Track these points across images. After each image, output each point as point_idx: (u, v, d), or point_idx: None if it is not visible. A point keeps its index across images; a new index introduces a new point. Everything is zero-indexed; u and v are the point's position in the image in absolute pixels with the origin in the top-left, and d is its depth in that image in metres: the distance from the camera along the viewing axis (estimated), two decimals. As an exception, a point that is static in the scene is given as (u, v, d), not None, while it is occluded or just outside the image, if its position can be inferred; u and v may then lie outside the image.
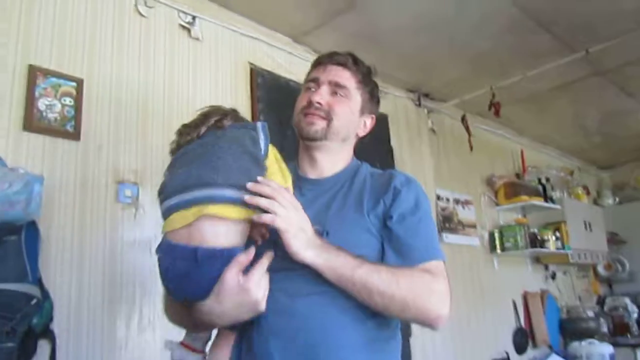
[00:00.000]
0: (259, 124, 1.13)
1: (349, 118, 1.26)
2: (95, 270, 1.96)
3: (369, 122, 1.34)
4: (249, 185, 1.01)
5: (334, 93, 1.24)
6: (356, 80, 1.27)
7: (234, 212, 1.01)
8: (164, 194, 1.06)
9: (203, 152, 1.06)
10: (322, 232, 1.11)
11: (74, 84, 2.03)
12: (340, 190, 1.23)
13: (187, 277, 1.00)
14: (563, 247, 4.31)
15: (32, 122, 1.89)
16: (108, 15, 2.23)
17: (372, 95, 1.33)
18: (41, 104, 1.93)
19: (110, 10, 2.24)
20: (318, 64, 1.31)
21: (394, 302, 1.03)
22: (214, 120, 1.12)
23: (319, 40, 2.97)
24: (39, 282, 1.62)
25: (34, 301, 1.53)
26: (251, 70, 2.73)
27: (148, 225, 2.14)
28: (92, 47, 2.14)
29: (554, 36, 3.06)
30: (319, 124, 1.22)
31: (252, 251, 1.04)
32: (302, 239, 1.02)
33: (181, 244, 1.00)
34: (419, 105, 3.82)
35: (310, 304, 1.09)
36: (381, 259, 1.13)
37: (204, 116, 1.14)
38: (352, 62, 1.29)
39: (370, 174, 1.27)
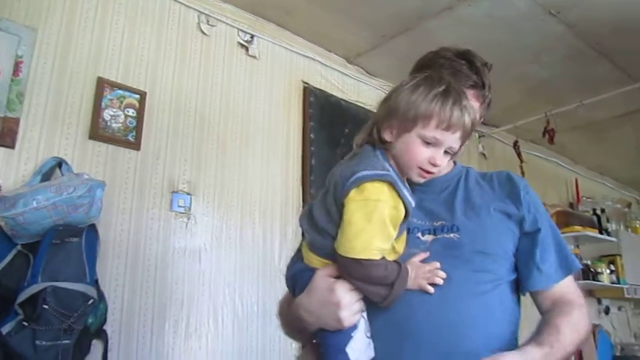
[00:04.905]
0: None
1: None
2: (147, 275, 2.03)
3: None
4: None
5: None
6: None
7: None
8: None
9: None
10: (450, 227, 1.12)
11: (137, 96, 2.14)
12: (456, 189, 1.22)
13: None
14: (618, 282, 4.14)
15: (98, 131, 2.00)
16: (172, 33, 2.34)
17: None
18: (106, 114, 2.04)
19: (174, 28, 2.35)
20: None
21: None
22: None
23: (372, 62, 3.00)
24: (95, 284, 1.69)
25: (91, 301, 1.60)
26: (304, 88, 2.79)
27: (198, 235, 2.21)
28: (156, 62, 2.25)
29: (615, 65, 2.98)
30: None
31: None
32: None
33: None
34: (470, 129, 3.78)
35: None
36: (509, 257, 1.13)
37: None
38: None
39: (482, 176, 1.27)
